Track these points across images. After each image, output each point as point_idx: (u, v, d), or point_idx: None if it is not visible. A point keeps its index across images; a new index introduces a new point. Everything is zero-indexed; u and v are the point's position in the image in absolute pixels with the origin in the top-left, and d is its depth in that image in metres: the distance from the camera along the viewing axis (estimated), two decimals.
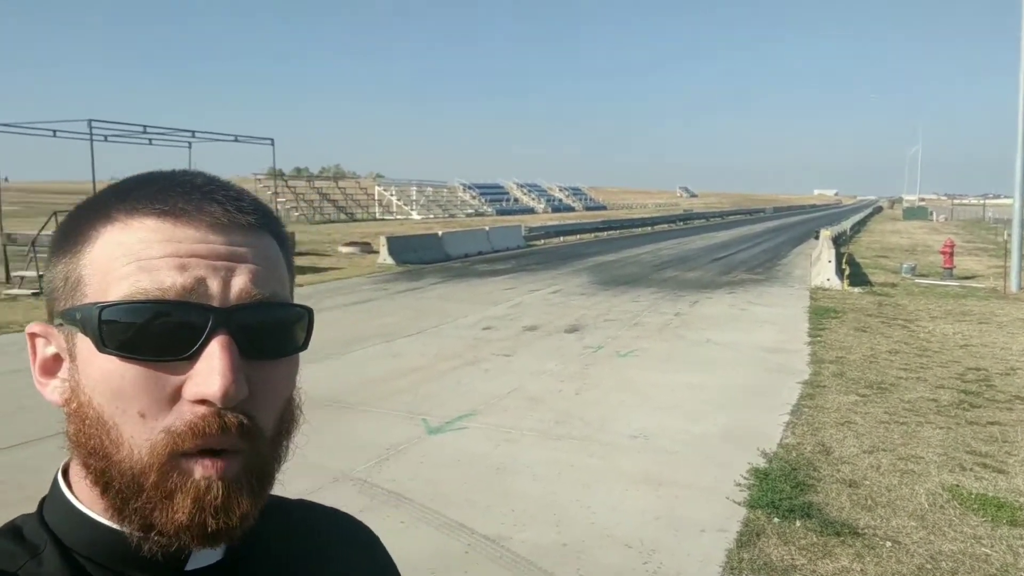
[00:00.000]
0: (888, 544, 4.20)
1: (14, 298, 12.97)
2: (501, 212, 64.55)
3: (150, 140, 21.33)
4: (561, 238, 32.48)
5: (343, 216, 52.28)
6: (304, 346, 0.62)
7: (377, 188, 63.65)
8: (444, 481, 5.08)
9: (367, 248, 23.38)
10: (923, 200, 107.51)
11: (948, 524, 4.47)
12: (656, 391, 7.45)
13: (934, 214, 67.06)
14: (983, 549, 4.16)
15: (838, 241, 23.42)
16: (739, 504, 4.75)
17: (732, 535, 4.32)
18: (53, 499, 0.63)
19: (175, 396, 0.55)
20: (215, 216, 0.58)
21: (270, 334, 0.58)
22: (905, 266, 18.98)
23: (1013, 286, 15.76)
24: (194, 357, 0.54)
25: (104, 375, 0.55)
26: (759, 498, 4.79)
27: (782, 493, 4.85)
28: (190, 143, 22.50)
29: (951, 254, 18.24)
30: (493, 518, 4.50)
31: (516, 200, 76.95)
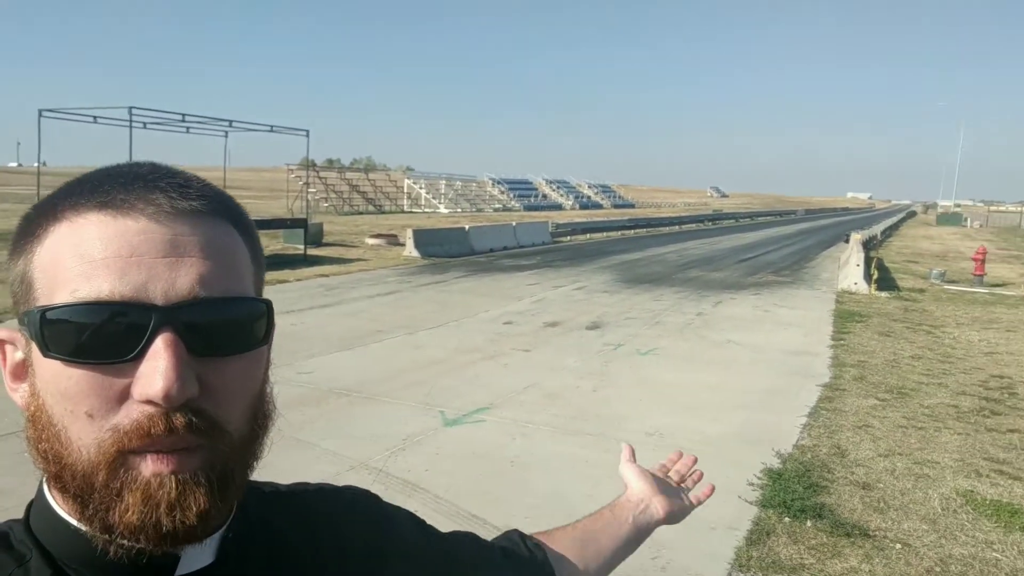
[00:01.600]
0: (898, 546, 4.21)
1: None
2: (529, 208, 64.58)
3: (188, 128, 21.67)
4: (588, 235, 32.43)
5: (372, 208, 52.61)
6: (265, 340, 0.60)
7: (407, 181, 63.91)
8: (459, 472, 5.16)
9: (393, 240, 23.54)
10: (958, 206, 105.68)
11: (960, 528, 4.47)
12: (674, 390, 7.48)
13: (969, 220, 65.89)
14: (993, 554, 4.16)
15: (868, 245, 23.16)
16: (751, 503, 4.78)
17: (742, 533, 4.36)
18: (39, 506, 0.61)
19: (124, 395, 0.54)
20: (157, 205, 0.56)
21: (222, 331, 0.56)
22: (935, 272, 18.73)
23: None
24: (139, 357, 0.53)
25: (52, 376, 0.54)
26: (771, 498, 4.82)
27: (794, 493, 4.87)
28: (227, 132, 22.80)
29: (982, 261, 17.97)
30: (505, 510, 4.57)
31: (544, 196, 76.90)
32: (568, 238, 30.57)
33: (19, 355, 0.59)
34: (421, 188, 62.45)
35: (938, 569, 3.97)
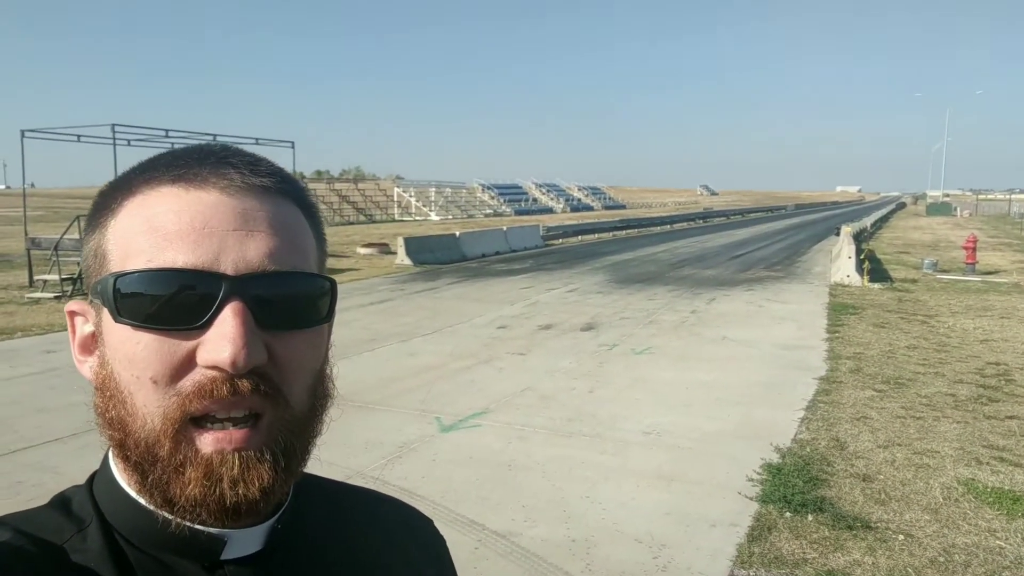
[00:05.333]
0: (901, 537, 4.17)
1: (37, 301, 13.18)
2: (519, 212, 64.57)
3: (172, 144, 21.52)
4: (579, 237, 32.42)
5: (362, 218, 52.56)
6: (327, 318, 0.61)
7: (396, 190, 63.93)
8: (456, 478, 5.11)
9: (385, 249, 23.50)
10: (947, 196, 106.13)
11: (962, 517, 4.43)
12: (670, 388, 7.44)
13: (958, 210, 66.17)
14: (997, 542, 4.12)
15: (859, 237, 23.19)
16: (751, 499, 4.74)
17: (743, 529, 4.31)
18: (102, 475, 0.62)
19: (189, 363, 0.54)
20: (229, 179, 0.57)
21: (288, 304, 0.57)
22: (927, 262, 18.76)
23: None
24: (207, 326, 0.54)
25: (121, 342, 0.56)
26: (771, 493, 4.77)
27: (794, 488, 4.82)
28: None
29: (974, 249, 18.01)
30: (503, 514, 4.52)
31: (535, 200, 76.92)
32: (560, 241, 30.54)
33: (88, 328, 0.61)
34: (411, 196, 62.43)
35: (942, 559, 3.93)
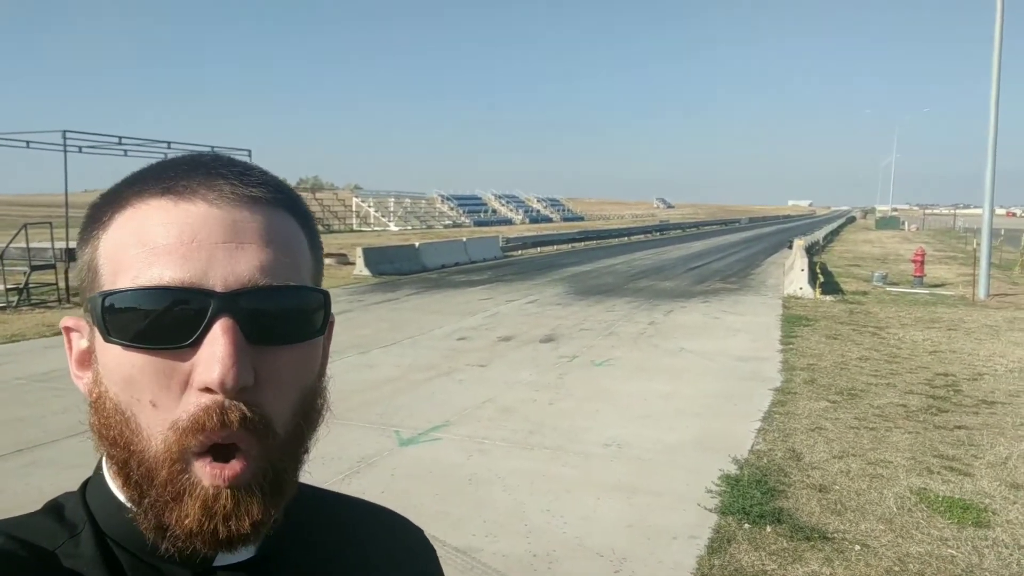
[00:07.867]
0: (857, 548, 4.23)
1: None
2: (479, 223, 64.61)
3: (125, 152, 21.06)
4: (538, 249, 32.52)
5: (320, 227, 52.07)
6: (321, 331, 0.60)
7: (355, 199, 63.50)
8: (415, 493, 5.05)
9: (343, 259, 23.27)
10: (895, 210, 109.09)
11: (916, 527, 4.52)
12: (630, 400, 7.47)
13: (906, 224, 68.03)
14: (949, 550, 4.21)
15: (811, 250, 23.68)
16: (710, 511, 4.77)
17: (703, 542, 4.33)
18: (95, 481, 0.62)
19: (185, 383, 0.54)
20: (219, 190, 0.56)
21: (279, 319, 0.56)
22: (876, 275, 19.21)
23: (981, 293, 16.01)
24: (198, 344, 0.53)
25: (116, 363, 0.55)
26: (730, 504, 4.81)
27: (753, 499, 4.87)
28: (166, 154, 22.25)
29: (921, 263, 18.50)
30: (464, 529, 4.48)
31: (494, 211, 77.04)
32: (519, 252, 30.60)
33: (84, 343, 0.60)
34: (370, 206, 62.08)
35: (897, 568, 4.00)
